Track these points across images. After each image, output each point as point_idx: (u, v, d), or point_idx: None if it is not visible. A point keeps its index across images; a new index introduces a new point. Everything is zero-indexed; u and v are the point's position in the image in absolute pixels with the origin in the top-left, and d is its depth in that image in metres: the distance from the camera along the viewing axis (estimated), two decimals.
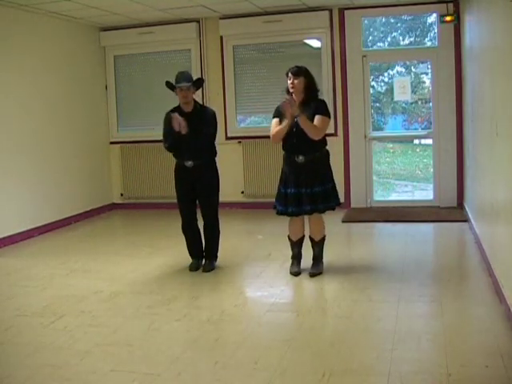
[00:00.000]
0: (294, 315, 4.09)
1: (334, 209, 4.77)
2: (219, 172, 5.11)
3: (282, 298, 4.40)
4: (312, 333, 3.70)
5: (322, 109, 4.63)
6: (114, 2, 6.74)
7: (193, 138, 4.85)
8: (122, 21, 7.84)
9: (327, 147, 4.79)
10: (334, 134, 7.67)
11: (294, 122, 4.54)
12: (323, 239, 4.88)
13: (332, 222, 6.99)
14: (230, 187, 7.82)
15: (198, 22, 7.99)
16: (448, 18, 7.06)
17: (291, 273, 4.84)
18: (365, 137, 7.70)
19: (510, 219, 3.67)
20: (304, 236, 4.91)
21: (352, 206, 7.74)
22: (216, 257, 5.21)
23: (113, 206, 8.57)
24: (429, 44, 7.99)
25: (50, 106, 7.24)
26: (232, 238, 6.16)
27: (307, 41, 7.91)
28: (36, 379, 3.14)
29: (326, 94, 7.70)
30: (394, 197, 9.08)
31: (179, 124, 4.72)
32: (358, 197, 7.75)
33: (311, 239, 4.89)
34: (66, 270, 5.34)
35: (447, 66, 7.35)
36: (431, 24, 7.96)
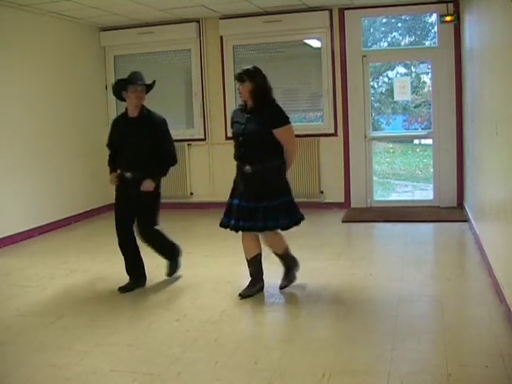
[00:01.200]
0: (294, 315, 4.09)
1: (280, 228, 4.23)
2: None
3: (281, 298, 4.39)
4: (312, 333, 3.70)
5: (278, 119, 4.14)
6: (113, 2, 6.74)
7: (135, 147, 4.54)
8: (121, 21, 7.83)
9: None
10: (334, 134, 7.69)
11: (240, 130, 4.18)
12: (286, 251, 4.47)
13: (332, 222, 7.03)
14: (229, 187, 7.80)
15: (198, 21, 7.99)
16: (448, 18, 7.06)
17: (239, 294, 4.35)
18: (365, 137, 7.69)
19: (509, 219, 3.67)
20: (260, 254, 4.40)
21: (352, 206, 7.74)
22: (173, 259, 4.89)
23: (113, 206, 8.52)
24: (429, 44, 7.99)
25: (49, 106, 7.24)
26: (231, 238, 6.14)
27: (307, 41, 7.91)
28: (36, 379, 3.14)
29: (325, 94, 7.73)
30: (394, 197, 9.09)
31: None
32: (357, 197, 7.75)
33: (275, 253, 4.49)
34: (65, 270, 5.34)
35: (447, 66, 7.35)
36: (431, 24, 7.97)
